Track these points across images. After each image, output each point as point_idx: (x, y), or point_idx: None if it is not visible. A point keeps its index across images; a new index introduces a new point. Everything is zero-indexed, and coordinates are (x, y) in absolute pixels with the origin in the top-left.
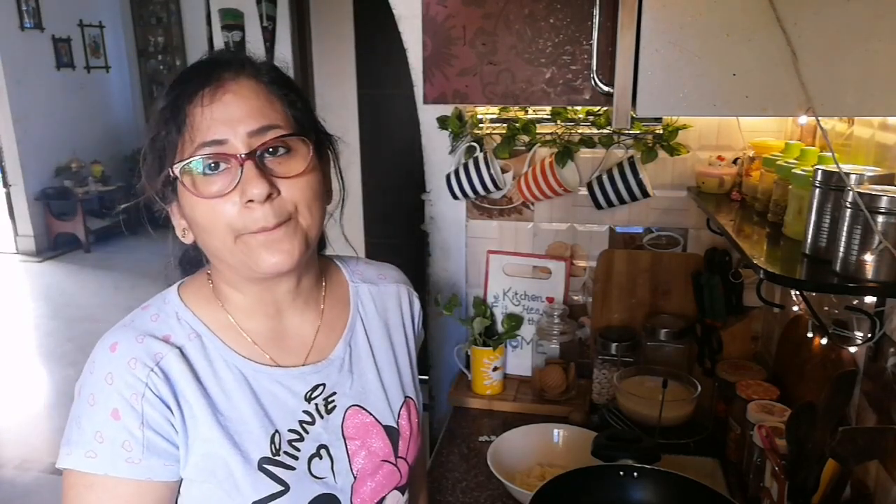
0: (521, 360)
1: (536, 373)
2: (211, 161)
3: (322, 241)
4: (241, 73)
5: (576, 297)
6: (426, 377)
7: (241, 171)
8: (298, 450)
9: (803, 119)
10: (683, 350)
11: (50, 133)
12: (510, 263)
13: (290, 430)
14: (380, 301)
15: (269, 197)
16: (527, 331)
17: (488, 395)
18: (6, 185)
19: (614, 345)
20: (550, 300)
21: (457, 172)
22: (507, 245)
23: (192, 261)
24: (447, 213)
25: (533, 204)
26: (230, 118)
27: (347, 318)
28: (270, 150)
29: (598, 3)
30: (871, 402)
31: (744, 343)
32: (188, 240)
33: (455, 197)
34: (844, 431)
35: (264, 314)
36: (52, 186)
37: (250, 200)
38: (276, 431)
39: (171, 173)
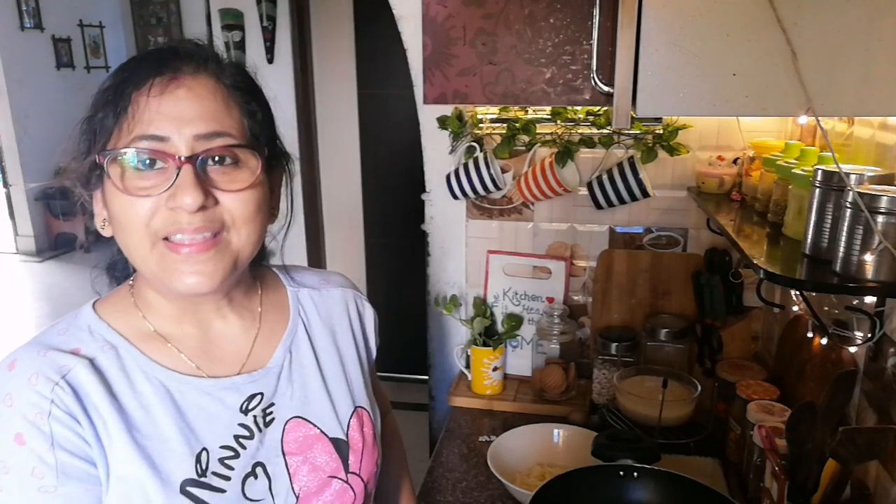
0: (521, 360)
1: (536, 373)
2: (146, 157)
3: (262, 254)
4: (202, 70)
5: (576, 297)
6: (426, 377)
7: (177, 175)
8: (232, 468)
9: (803, 119)
10: (683, 350)
11: (50, 133)
12: (510, 263)
13: (223, 447)
14: (323, 307)
15: (201, 208)
16: (527, 331)
17: (488, 395)
18: (6, 185)
19: (614, 345)
20: (550, 300)
21: (457, 172)
22: (507, 245)
23: (120, 266)
24: (447, 213)
25: (533, 204)
26: (178, 115)
27: (287, 323)
28: (216, 158)
29: (598, 3)
30: (871, 402)
31: (744, 343)
32: (107, 233)
33: (455, 197)
34: (844, 431)
35: (192, 322)
36: (52, 186)
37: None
38: (204, 449)
39: (98, 160)
